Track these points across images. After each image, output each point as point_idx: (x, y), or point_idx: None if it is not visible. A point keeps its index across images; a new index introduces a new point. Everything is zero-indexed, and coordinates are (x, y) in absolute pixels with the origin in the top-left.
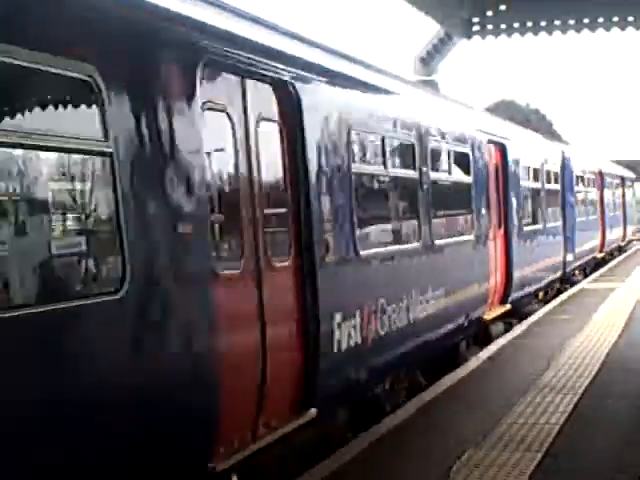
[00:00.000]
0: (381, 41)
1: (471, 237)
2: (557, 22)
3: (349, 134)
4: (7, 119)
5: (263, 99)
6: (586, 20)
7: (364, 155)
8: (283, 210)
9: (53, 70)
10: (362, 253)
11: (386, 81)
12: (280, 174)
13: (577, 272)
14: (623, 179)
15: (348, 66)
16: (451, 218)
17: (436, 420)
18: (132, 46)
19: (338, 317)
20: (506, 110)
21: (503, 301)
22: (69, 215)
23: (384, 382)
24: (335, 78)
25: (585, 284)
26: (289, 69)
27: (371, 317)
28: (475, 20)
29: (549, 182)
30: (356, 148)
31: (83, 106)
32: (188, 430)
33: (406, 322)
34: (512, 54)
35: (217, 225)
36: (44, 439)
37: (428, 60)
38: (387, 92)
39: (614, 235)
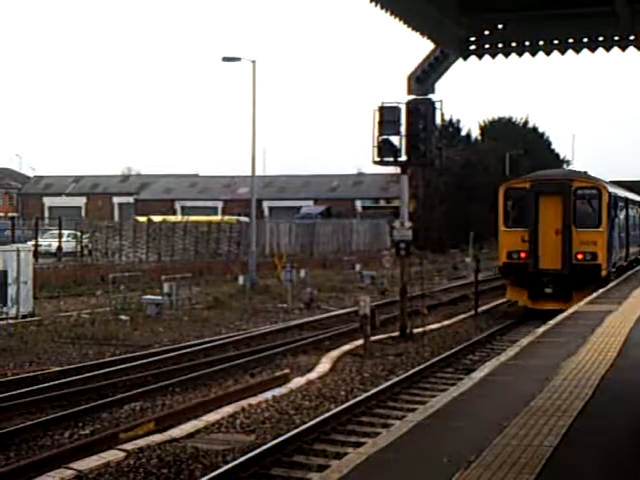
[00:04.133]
0: (373, 60)
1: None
2: (555, 41)
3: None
4: None
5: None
6: (585, 39)
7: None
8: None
9: None
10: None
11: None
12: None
13: None
14: None
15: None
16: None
17: (427, 440)
18: None
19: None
20: (503, 128)
21: None
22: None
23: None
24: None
25: (580, 306)
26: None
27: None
28: (472, 39)
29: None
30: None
31: None
32: None
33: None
34: (511, 71)
35: None
36: None
37: (424, 79)
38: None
39: None
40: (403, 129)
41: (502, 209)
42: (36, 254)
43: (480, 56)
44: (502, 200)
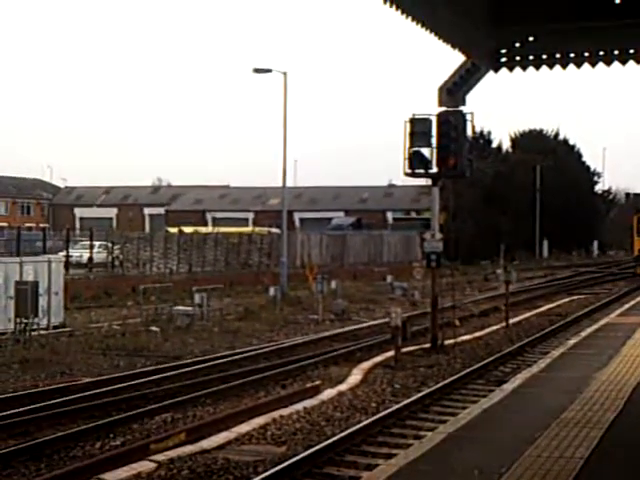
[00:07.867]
0: (404, 72)
1: None
2: (586, 54)
3: None
4: None
5: None
6: (616, 52)
7: None
8: None
9: None
10: None
11: None
12: None
13: None
14: None
15: None
16: None
17: (458, 452)
18: None
19: None
20: (534, 140)
21: None
22: None
23: None
24: None
25: (611, 318)
26: None
27: None
28: (503, 51)
29: None
30: None
31: None
32: None
33: None
34: (542, 83)
35: None
36: None
37: (455, 91)
38: None
39: None
40: (434, 141)
41: (635, 226)
42: (67, 265)
43: (511, 68)
44: (635, 222)
